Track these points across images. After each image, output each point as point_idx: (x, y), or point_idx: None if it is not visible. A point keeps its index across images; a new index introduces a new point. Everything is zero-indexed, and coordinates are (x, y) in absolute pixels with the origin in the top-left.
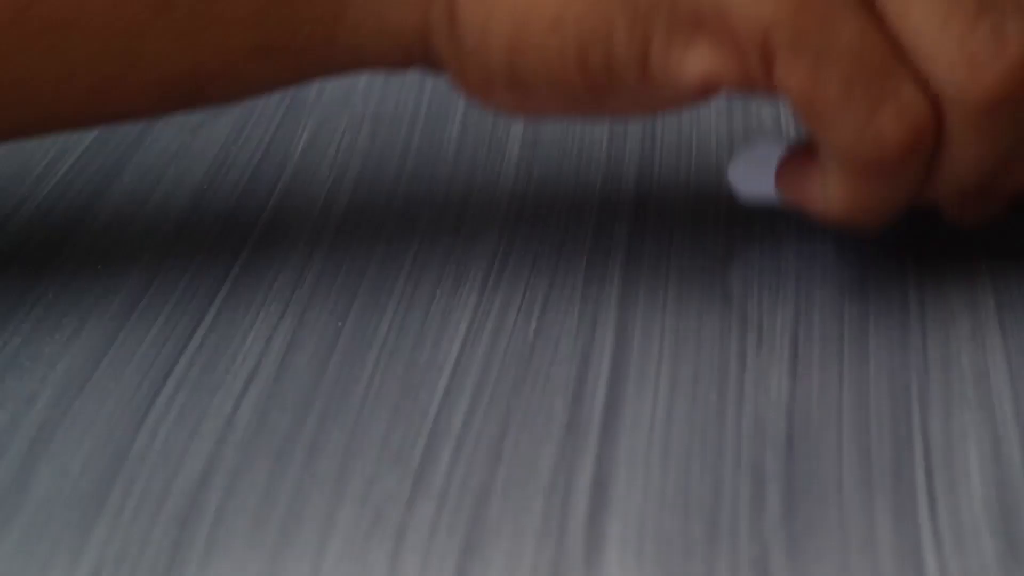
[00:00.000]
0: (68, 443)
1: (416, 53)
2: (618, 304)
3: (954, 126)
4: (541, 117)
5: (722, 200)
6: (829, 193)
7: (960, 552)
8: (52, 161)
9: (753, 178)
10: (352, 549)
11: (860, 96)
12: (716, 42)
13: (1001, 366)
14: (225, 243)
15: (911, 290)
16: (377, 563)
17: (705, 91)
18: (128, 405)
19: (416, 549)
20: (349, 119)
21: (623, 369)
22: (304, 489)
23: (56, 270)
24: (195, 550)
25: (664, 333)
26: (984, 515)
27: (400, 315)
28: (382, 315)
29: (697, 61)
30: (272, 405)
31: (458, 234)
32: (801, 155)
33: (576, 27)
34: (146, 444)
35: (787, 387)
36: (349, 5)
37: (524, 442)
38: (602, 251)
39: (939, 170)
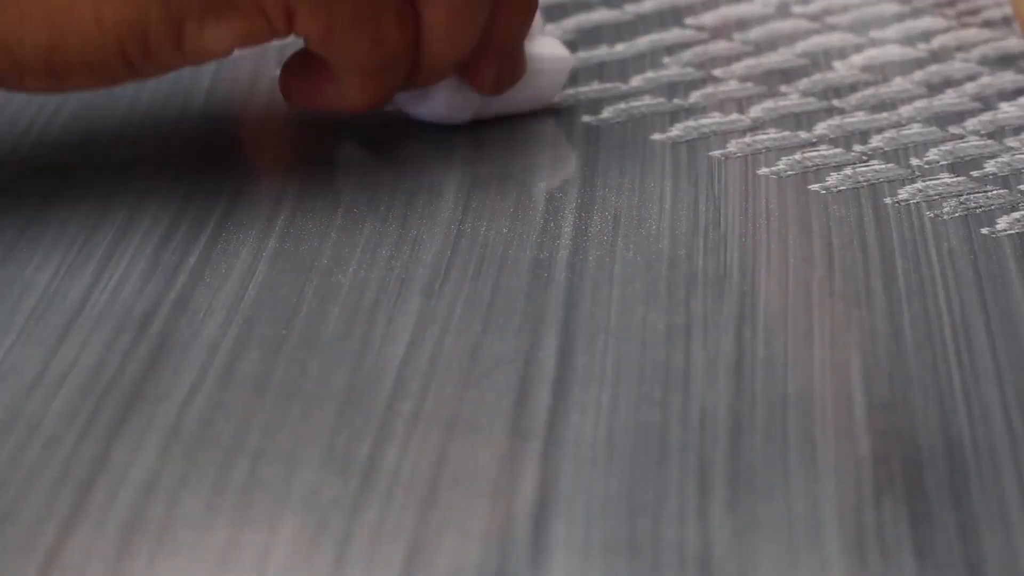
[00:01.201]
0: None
1: None
2: (563, 303)
3: (432, 19)
4: (71, 91)
5: (667, 198)
6: (348, 94)
7: (909, 540)
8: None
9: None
10: (296, 556)
11: (366, 23)
12: (244, 14)
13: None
14: (170, 252)
15: (859, 286)
16: (321, 570)
17: (233, 51)
18: (73, 414)
19: (361, 555)
20: (292, 127)
21: (568, 369)
22: (248, 497)
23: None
24: (140, 560)
25: (609, 331)
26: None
27: (344, 321)
28: (326, 321)
29: (229, 32)
30: (216, 413)
31: (402, 239)
32: (302, 70)
33: (114, 23)
34: (91, 454)
35: (732, 382)
36: None
37: (469, 444)
38: (546, 251)
39: (425, 56)
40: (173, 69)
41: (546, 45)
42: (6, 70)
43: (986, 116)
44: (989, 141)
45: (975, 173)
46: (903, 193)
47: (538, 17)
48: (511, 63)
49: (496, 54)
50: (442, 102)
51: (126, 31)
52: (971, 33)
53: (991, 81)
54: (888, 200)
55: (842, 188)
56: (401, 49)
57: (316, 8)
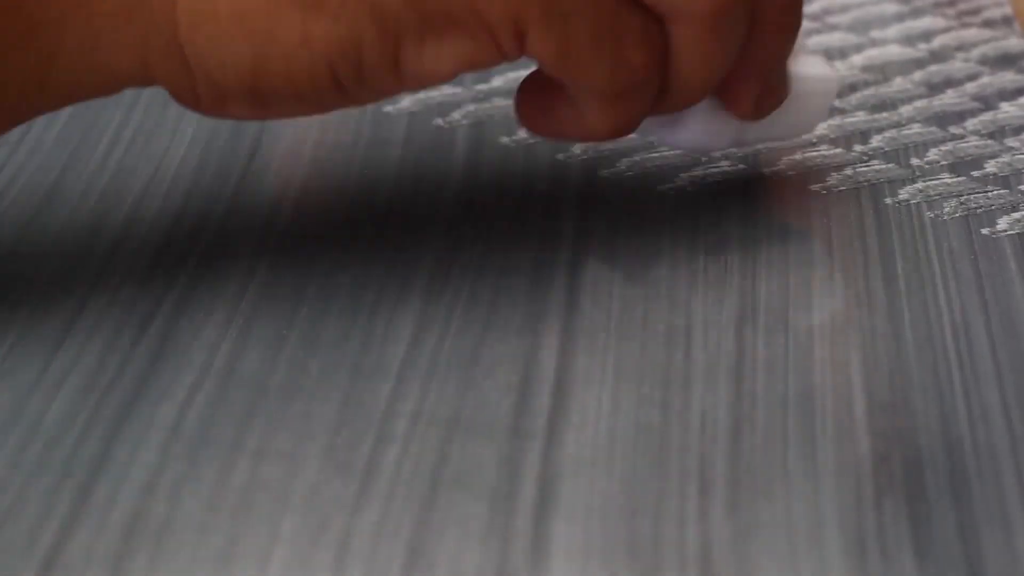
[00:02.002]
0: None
1: (132, 83)
2: (563, 303)
3: (682, 38)
4: (278, 119)
5: (667, 200)
6: (588, 122)
7: (909, 540)
8: None
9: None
10: (297, 556)
11: (606, 42)
12: (468, 33)
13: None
14: (171, 252)
15: (859, 286)
16: (322, 569)
17: (457, 76)
18: (73, 414)
19: (361, 554)
20: (294, 128)
21: (569, 369)
22: (249, 497)
23: None
24: (140, 560)
25: (609, 331)
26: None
27: (345, 321)
28: (327, 322)
29: (451, 54)
30: (217, 413)
31: (403, 239)
32: (538, 95)
33: (324, 43)
34: (91, 454)
35: (732, 382)
36: (59, 53)
37: (470, 444)
38: (548, 251)
39: (675, 78)
40: (389, 95)
41: (810, 64)
42: (207, 96)
43: (986, 116)
44: (989, 141)
45: (975, 173)
46: (903, 193)
47: (802, 31)
48: (773, 84)
49: (756, 74)
50: (696, 128)
51: (337, 52)
52: (971, 33)
53: (991, 81)
54: (888, 200)
55: (842, 188)
56: (646, 70)
57: (549, 25)
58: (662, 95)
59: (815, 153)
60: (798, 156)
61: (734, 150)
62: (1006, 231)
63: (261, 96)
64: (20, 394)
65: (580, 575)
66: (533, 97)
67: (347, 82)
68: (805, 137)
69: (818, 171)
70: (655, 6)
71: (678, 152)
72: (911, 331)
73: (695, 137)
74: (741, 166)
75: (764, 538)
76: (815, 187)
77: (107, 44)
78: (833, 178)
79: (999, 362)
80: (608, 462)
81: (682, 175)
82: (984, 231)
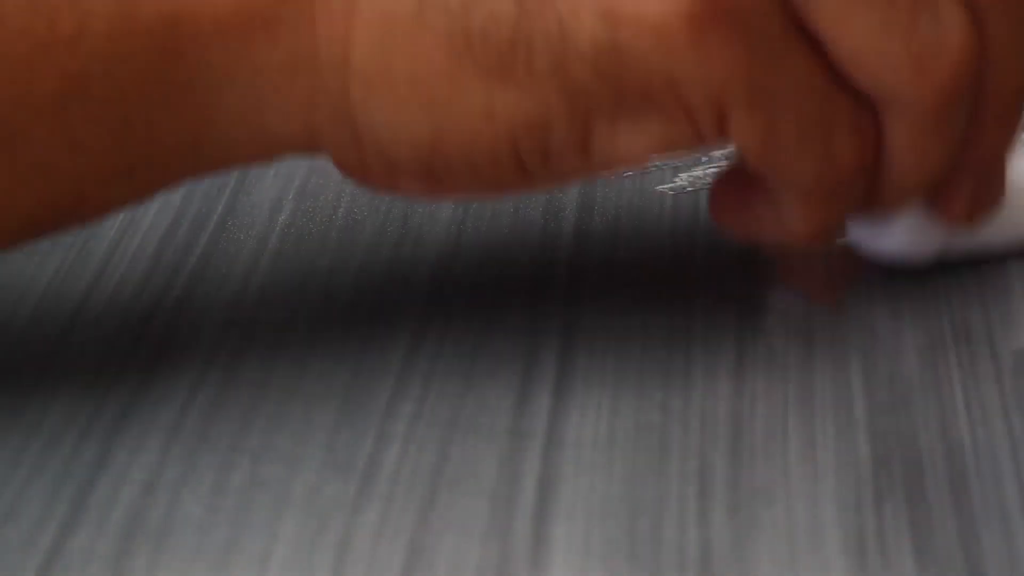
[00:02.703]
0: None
1: (294, 149)
2: (563, 303)
3: (898, 129)
4: (449, 197)
5: (666, 204)
6: (789, 222)
7: (909, 542)
8: None
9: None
10: (297, 557)
11: (814, 134)
12: (666, 114)
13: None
14: (171, 252)
15: (859, 286)
16: (322, 569)
17: (648, 160)
18: (73, 413)
19: (361, 554)
20: None
21: (569, 369)
22: (249, 497)
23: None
24: (140, 560)
25: (609, 332)
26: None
27: (344, 321)
28: (326, 320)
29: (646, 135)
30: (217, 413)
31: (403, 239)
32: (734, 189)
33: (509, 118)
34: (91, 454)
35: (732, 383)
36: (217, 112)
37: (470, 444)
38: (547, 250)
39: (887, 175)
40: (571, 179)
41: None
42: (377, 167)
43: None
44: None
45: None
46: None
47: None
48: (989, 186)
49: (971, 175)
50: (901, 235)
51: (522, 128)
52: None
53: None
54: None
55: None
56: (857, 167)
57: (754, 110)
58: (871, 195)
59: None
60: None
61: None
62: None
63: (435, 172)
64: (20, 394)
65: (580, 575)
66: (728, 191)
67: (530, 162)
68: None
69: None
70: (872, 92)
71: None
72: (911, 331)
73: (900, 245)
74: None
75: (764, 538)
76: None
77: (270, 105)
78: None
79: (999, 363)
80: (608, 462)
81: (682, 175)
82: None
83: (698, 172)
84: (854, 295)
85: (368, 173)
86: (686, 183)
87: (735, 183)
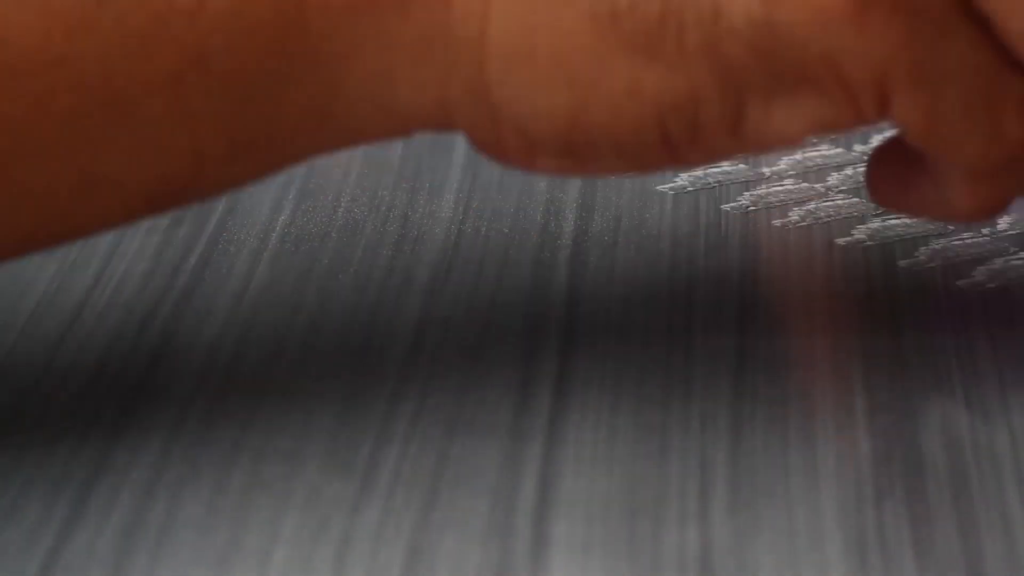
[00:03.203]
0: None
1: (427, 125)
2: (564, 303)
3: None
4: (590, 176)
5: (666, 204)
6: (954, 200)
7: (910, 540)
8: None
9: None
10: (297, 556)
11: (983, 110)
12: (823, 92)
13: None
14: (171, 252)
15: (860, 286)
16: (322, 569)
17: (805, 140)
18: (73, 414)
19: (361, 554)
20: None
21: (568, 369)
22: (249, 497)
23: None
24: (140, 560)
25: (609, 331)
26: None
27: (345, 321)
28: (327, 321)
29: (802, 115)
30: (217, 413)
31: (403, 239)
32: (894, 166)
33: (656, 95)
34: (91, 454)
35: (732, 382)
36: (344, 87)
37: (470, 444)
38: (548, 250)
39: None
40: (722, 158)
41: None
42: (515, 145)
43: None
44: None
45: None
46: None
47: None
48: None
49: None
50: None
51: (670, 106)
52: None
53: None
54: None
55: (843, 188)
56: None
57: (919, 89)
58: None
59: (815, 153)
60: (798, 156)
61: None
62: (1006, 231)
63: (576, 149)
64: (20, 394)
65: (580, 575)
66: (888, 168)
67: (678, 139)
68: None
69: (819, 171)
70: None
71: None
72: (911, 331)
73: None
74: (741, 166)
75: (764, 538)
76: (816, 187)
77: (402, 79)
78: (834, 178)
79: (999, 361)
80: (608, 462)
81: (682, 175)
82: (985, 231)
83: (698, 172)
84: (853, 294)
85: (505, 150)
86: (686, 183)
87: (894, 161)
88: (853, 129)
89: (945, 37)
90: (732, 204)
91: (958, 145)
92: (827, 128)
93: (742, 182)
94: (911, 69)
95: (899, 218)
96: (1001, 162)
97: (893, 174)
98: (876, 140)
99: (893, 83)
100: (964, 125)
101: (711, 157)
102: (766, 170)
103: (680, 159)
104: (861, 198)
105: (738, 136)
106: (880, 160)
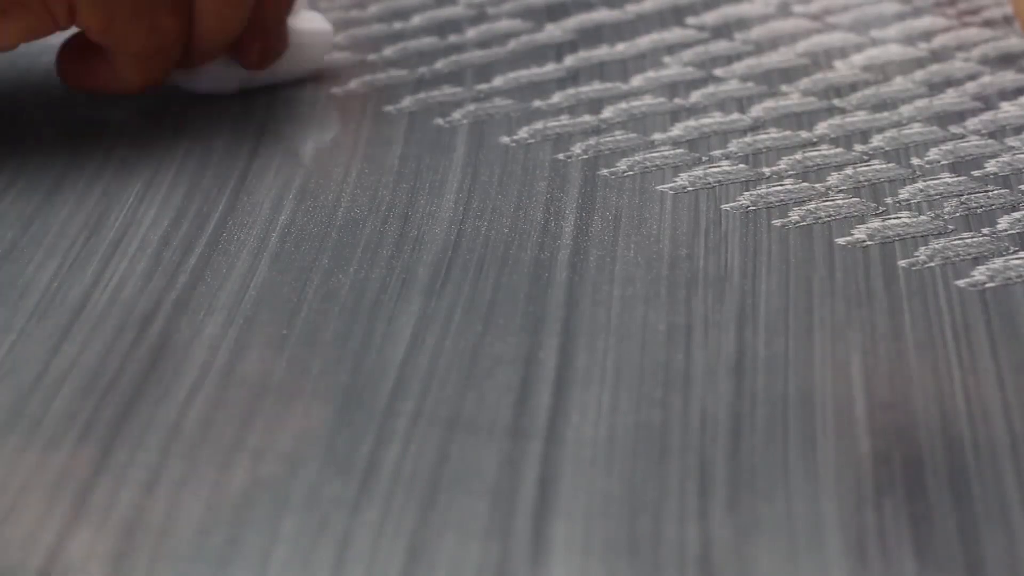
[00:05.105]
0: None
1: None
2: (563, 303)
3: (206, 5)
4: None
5: (666, 204)
6: (124, 77)
7: (909, 540)
8: None
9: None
10: (297, 556)
11: (143, 13)
12: (30, 10)
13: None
14: (171, 252)
15: (859, 286)
16: (322, 569)
17: (20, 44)
18: (74, 413)
19: (361, 555)
20: (294, 128)
21: (568, 369)
22: (249, 497)
23: None
24: (140, 560)
25: (609, 331)
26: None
27: (345, 321)
28: (327, 321)
29: (15, 28)
30: (217, 413)
31: (403, 239)
32: (78, 54)
33: None
34: (91, 454)
35: (733, 382)
36: None
37: (470, 444)
38: (547, 251)
39: (197, 37)
40: None
41: (308, 20)
42: None
43: (987, 115)
44: (990, 141)
45: (976, 173)
46: (904, 193)
47: None
48: (275, 39)
49: (261, 32)
50: (211, 78)
51: None
52: (972, 32)
53: (992, 80)
54: (889, 200)
55: (843, 188)
56: (175, 35)
57: (96, 3)
58: (187, 53)
59: (815, 153)
60: (798, 156)
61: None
62: (1007, 231)
63: None
64: (20, 394)
65: (580, 574)
66: (74, 56)
67: None
68: (804, 136)
69: (818, 171)
70: None
71: (678, 152)
72: (911, 331)
73: (209, 85)
74: (741, 166)
75: (764, 538)
76: (816, 187)
77: None
78: (834, 178)
79: (999, 361)
80: (608, 462)
81: (682, 175)
82: (985, 231)
83: (698, 172)
84: (853, 294)
85: None
86: (686, 183)
87: (78, 50)
88: (54, 33)
89: None
90: (732, 204)
91: (126, 39)
92: (35, 35)
93: (742, 182)
94: None
95: (899, 217)
96: (159, 48)
97: (78, 61)
98: (876, 139)
99: (78, 3)
100: (131, 24)
101: None
102: (766, 170)
103: None
104: (861, 197)
105: None
106: (67, 48)
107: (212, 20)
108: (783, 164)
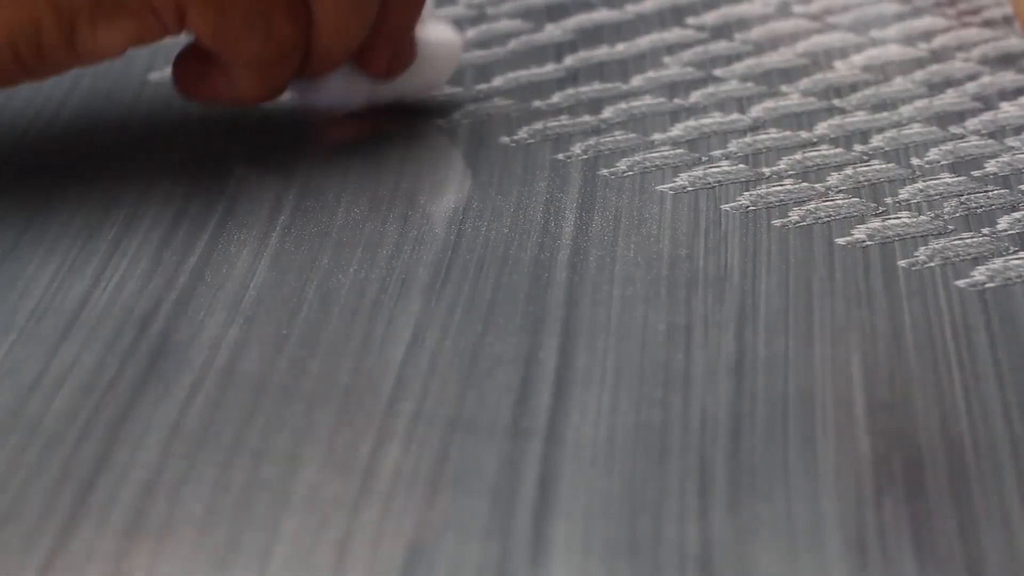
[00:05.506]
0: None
1: None
2: (563, 303)
3: (325, 11)
4: None
5: (666, 204)
6: (241, 87)
7: (910, 540)
8: None
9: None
10: (297, 556)
11: (257, 18)
12: (136, 16)
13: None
14: (171, 252)
15: (859, 286)
16: (322, 569)
17: (127, 51)
18: (74, 413)
19: (361, 555)
20: (294, 128)
21: (568, 369)
22: (249, 497)
23: None
24: (140, 560)
25: (609, 331)
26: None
27: (345, 321)
28: (327, 321)
29: (120, 33)
30: (217, 413)
31: (403, 239)
32: (194, 62)
33: (5, 26)
34: (91, 453)
35: (733, 382)
36: None
37: (469, 444)
38: (547, 251)
39: (318, 46)
40: (68, 69)
41: (437, 30)
42: None
43: (987, 116)
44: (990, 141)
45: (976, 173)
46: (904, 193)
47: (429, 1)
48: (402, 49)
49: (388, 41)
50: (335, 89)
51: (18, 33)
52: (972, 33)
53: (992, 81)
54: (889, 200)
55: (843, 188)
56: (293, 43)
57: (207, 6)
58: (307, 61)
59: (815, 153)
60: (798, 156)
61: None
62: (1007, 231)
63: None
64: (20, 394)
65: (580, 574)
66: (189, 65)
67: (28, 60)
68: (804, 136)
69: (818, 171)
70: None
71: (678, 152)
72: (911, 331)
73: (333, 98)
74: (741, 166)
75: (764, 538)
76: (816, 187)
77: None
78: (833, 178)
79: (999, 361)
80: (608, 462)
81: (682, 175)
82: (984, 231)
83: (698, 172)
84: (853, 294)
85: None
86: (686, 183)
87: (194, 59)
88: (163, 39)
89: None
90: (732, 204)
91: (240, 46)
92: (143, 42)
93: (742, 182)
94: None
95: (899, 218)
96: (275, 56)
97: (194, 70)
98: (876, 139)
99: (187, 3)
100: (244, 30)
101: (56, 71)
102: (766, 170)
103: (33, 74)
104: (861, 198)
105: (75, 52)
106: (183, 58)
107: (333, 26)
108: (783, 164)
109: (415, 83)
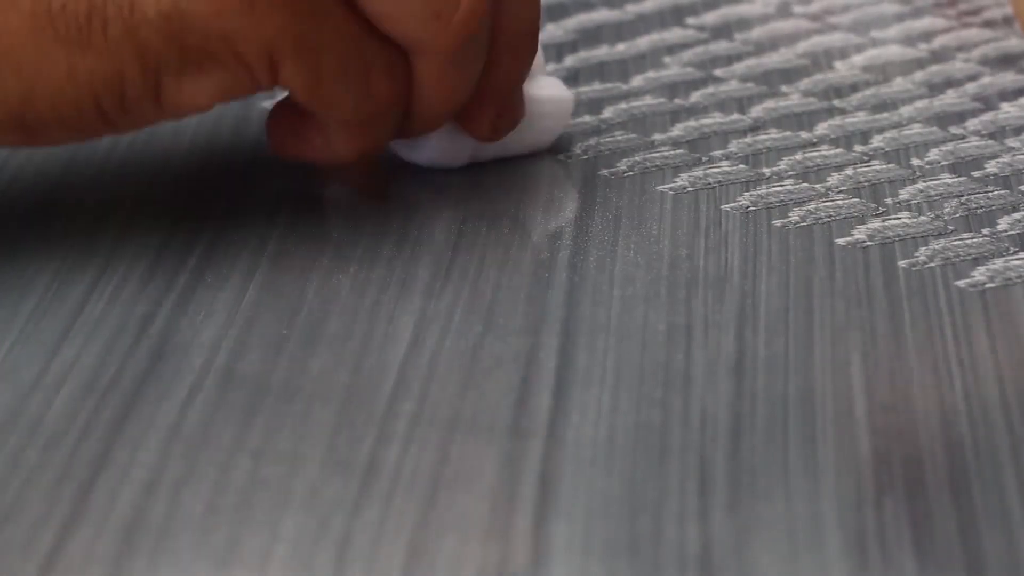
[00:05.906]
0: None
1: None
2: (563, 304)
3: (424, 68)
4: (47, 146)
5: (666, 204)
6: (337, 146)
7: (910, 540)
8: None
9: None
10: (297, 556)
11: (353, 74)
12: (225, 67)
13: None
14: (171, 252)
15: (859, 286)
16: (322, 569)
17: (216, 104)
18: (74, 413)
19: (361, 555)
20: None
21: (568, 369)
22: (249, 497)
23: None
24: (140, 560)
25: (609, 331)
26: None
27: (345, 321)
28: (327, 321)
29: (208, 87)
30: (217, 413)
31: (403, 239)
32: (288, 119)
33: (89, 78)
34: (91, 454)
35: (733, 382)
36: None
37: (470, 444)
38: (547, 251)
39: (418, 105)
40: (153, 123)
41: (546, 86)
42: None
43: (987, 116)
44: (990, 141)
45: (976, 173)
46: (904, 193)
47: (539, 56)
48: (509, 107)
49: (493, 100)
50: (436, 149)
51: (101, 86)
52: (972, 33)
53: (992, 81)
54: (889, 200)
55: (843, 188)
56: (391, 101)
57: (301, 60)
58: (407, 121)
59: (815, 153)
60: (798, 156)
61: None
62: (1007, 231)
63: (29, 126)
64: (20, 394)
65: (580, 574)
66: (283, 121)
67: (111, 113)
68: (804, 136)
69: (818, 171)
70: (400, 41)
71: (679, 152)
72: (911, 331)
73: (434, 157)
74: (741, 166)
75: (764, 538)
76: (816, 187)
77: None
78: (834, 178)
79: (999, 361)
80: (608, 462)
81: (682, 175)
82: (984, 231)
83: (698, 172)
84: (853, 294)
85: None
86: (686, 183)
87: (288, 115)
88: (254, 94)
89: (320, 15)
90: (732, 204)
91: (336, 103)
92: (231, 96)
93: (742, 182)
94: (293, 43)
95: (899, 218)
96: (372, 115)
97: (288, 127)
98: (876, 140)
99: (280, 56)
100: (340, 87)
101: (141, 124)
102: (766, 170)
103: (117, 128)
104: (861, 198)
105: (159, 105)
106: (276, 115)
107: (434, 85)
108: (783, 164)
109: (522, 141)
